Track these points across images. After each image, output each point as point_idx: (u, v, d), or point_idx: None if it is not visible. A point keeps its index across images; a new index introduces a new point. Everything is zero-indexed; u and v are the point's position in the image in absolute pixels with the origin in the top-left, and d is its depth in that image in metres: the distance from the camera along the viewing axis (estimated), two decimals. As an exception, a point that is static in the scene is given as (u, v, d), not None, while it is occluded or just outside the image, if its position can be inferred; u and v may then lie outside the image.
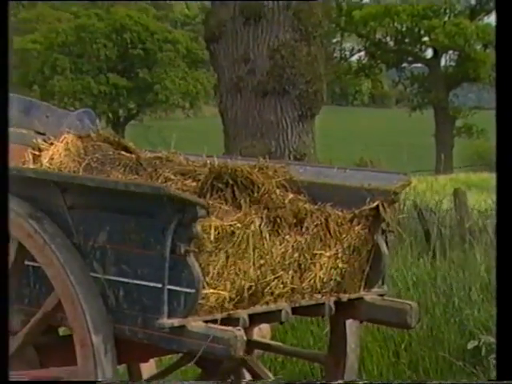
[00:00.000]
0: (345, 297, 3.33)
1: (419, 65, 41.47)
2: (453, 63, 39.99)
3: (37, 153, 3.78)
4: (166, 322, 2.87)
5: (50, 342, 3.24)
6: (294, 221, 3.17)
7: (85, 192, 3.00)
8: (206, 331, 2.86)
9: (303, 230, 3.17)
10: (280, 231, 3.12)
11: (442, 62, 40.20)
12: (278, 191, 3.31)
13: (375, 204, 3.33)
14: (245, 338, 2.88)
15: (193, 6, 52.53)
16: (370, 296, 3.40)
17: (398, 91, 46.93)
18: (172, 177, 3.60)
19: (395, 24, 38.11)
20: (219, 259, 2.94)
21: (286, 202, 3.25)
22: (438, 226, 7.47)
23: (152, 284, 2.89)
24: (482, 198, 9.76)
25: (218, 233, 2.92)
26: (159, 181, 3.56)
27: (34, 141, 3.84)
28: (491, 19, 40.68)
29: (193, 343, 2.87)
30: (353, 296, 3.36)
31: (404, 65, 41.37)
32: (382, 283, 3.44)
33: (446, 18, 38.27)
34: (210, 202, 3.09)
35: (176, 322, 2.87)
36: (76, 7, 43.57)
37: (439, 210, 8.41)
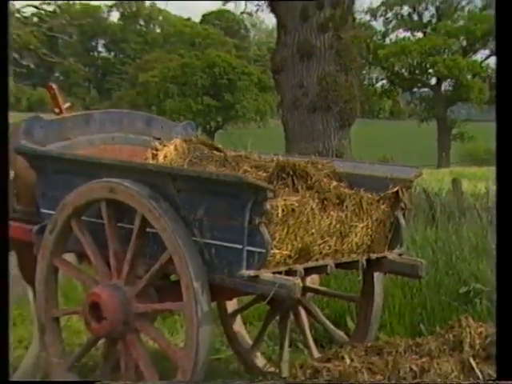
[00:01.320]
0: (373, 256, 3.26)
1: (426, 89, 40.79)
2: (450, 88, 39.29)
3: (155, 152, 3.79)
4: (245, 272, 2.84)
5: (165, 285, 3.25)
6: (337, 201, 3.12)
7: (188, 180, 2.99)
8: (273, 280, 2.83)
9: (343, 207, 3.11)
10: (327, 208, 3.07)
11: (443, 87, 39.55)
12: (325, 180, 3.26)
13: (396, 189, 3.25)
14: (301, 284, 2.85)
15: (262, 49, 52.42)
16: (391, 255, 3.32)
17: (411, 108, 45.96)
18: (249, 169, 3.57)
19: (409, 59, 37.57)
20: (283, 228, 2.91)
21: (331, 187, 3.19)
22: (440, 205, 7.33)
23: (235, 245, 2.87)
24: (472, 186, 9.54)
25: (283, 210, 2.89)
26: (240, 172, 3.54)
27: (153, 144, 3.86)
28: (478, 56, 40.14)
29: (264, 288, 2.84)
30: (379, 255, 3.29)
31: (415, 89, 40.77)
32: (401, 246, 3.36)
33: (446, 55, 37.70)
34: (276, 188, 3.07)
35: (252, 272, 2.84)
36: (182, 51, 43.99)
37: (441, 193, 8.25)
